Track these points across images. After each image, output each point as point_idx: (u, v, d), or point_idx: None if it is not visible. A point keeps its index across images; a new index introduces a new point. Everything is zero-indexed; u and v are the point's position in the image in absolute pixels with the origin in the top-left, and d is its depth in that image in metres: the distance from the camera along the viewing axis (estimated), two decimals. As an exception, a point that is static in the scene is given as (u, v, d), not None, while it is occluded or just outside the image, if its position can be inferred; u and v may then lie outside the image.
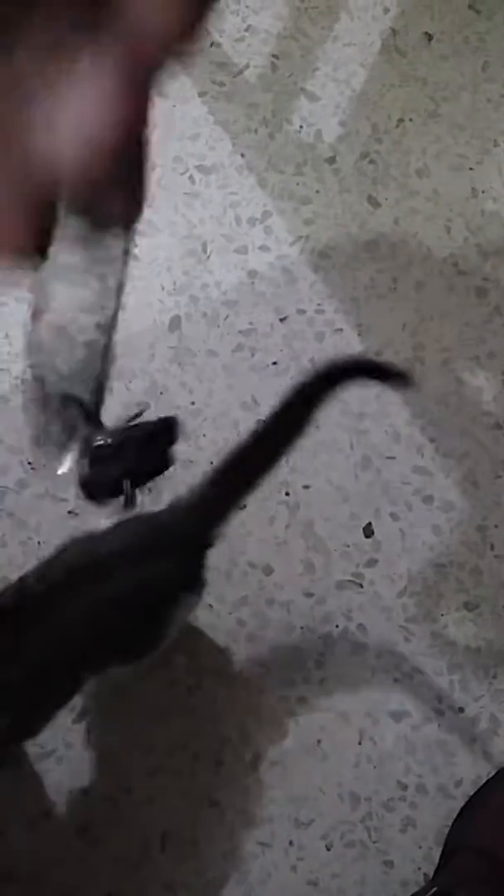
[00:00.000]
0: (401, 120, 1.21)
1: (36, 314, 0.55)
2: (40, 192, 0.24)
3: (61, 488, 1.02)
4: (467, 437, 1.08)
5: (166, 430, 0.73)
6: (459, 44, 1.24)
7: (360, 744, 0.98)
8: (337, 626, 1.02)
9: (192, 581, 0.83)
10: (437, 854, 0.96)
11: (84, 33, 0.23)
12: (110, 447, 0.70)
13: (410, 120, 1.21)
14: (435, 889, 0.90)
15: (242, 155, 1.17)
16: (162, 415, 0.74)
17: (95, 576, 0.77)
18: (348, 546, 1.04)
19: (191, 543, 0.81)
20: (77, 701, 0.95)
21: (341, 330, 1.11)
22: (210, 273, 1.12)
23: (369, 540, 1.04)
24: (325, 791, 0.97)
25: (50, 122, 0.23)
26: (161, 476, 0.74)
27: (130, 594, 0.78)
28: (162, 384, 1.07)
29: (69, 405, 0.65)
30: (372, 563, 1.04)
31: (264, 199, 1.16)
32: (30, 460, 1.02)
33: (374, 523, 1.05)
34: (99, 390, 0.64)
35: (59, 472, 0.68)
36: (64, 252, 0.46)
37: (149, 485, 1.02)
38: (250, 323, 1.10)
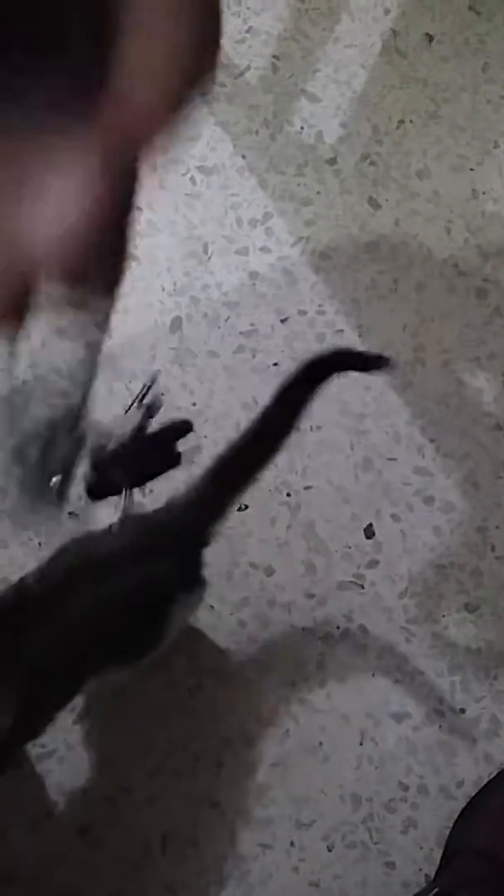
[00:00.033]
0: (401, 121, 1.21)
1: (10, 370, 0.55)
2: (17, 270, 0.24)
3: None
4: (468, 438, 1.09)
5: (172, 430, 0.73)
6: (460, 45, 1.24)
7: (361, 745, 0.98)
8: (338, 628, 1.02)
9: (190, 580, 0.84)
10: (438, 855, 0.96)
11: (65, 120, 0.22)
12: (114, 452, 0.70)
13: (411, 121, 1.21)
14: (436, 890, 0.90)
15: (243, 156, 1.17)
16: (168, 416, 0.74)
17: (95, 575, 0.77)
18: (349, 547, 1.04)
19: (187, 542, 0.82)
20: (77, 702, 0.95)
21: (342, 331, 1.11)
22: (211, 274, 1.12)
23: (370, 541, 1.04)
24: (326, 792, 0.97)
25: (27, 211, 0.23)
26: (164, 476, 0.74)
27: (129, 593, 0.78)
28: (163, 385, 1.07)
29: (52, 450, 0.66)
30: (373, 564, 1.04)
31: (265, 200, 1.16)
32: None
33: (375, 524, 1.05)
34: (76, 441, 0.65)
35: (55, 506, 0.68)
36: (43, 314, 0.46)
37: (149, 485, 1.02)
38: (251, 324, 1.10)
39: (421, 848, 0.96)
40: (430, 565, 1.04)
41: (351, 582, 1.03)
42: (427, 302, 1.13)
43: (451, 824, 0.96)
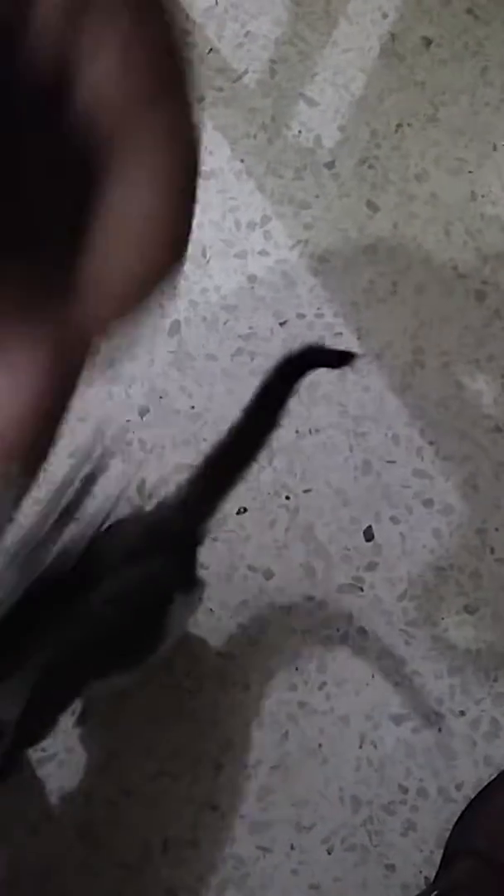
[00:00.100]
0: (400, 124, 1.21)
1: None
2: None
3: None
4: (467, 440, 1.09)
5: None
6: (458, 49, 1.25)
7: (360, 747, 0.98)
8: (337, 630, 1.02)
9: (186, 580, 0.85)
10: (438, 857, 0.96)
11: (18, 314, 0.21)
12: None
13: (409, 124, 1.21)
14: (436, 892, 0.90)
15: (241, 160, 1.18)
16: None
17: (93, 577, 0.78)
18: (348, 550, 1.04)
19: (180, 542, 0.84)
20: (77, 705, 0.95)
21: (341, 334, 1.11)
22: (209, 277, 1.12)
23: (369, 544, 1.05)
24: (325, 795, 0.97)
25: None
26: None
27: (127, 594, 0.79)
28: (161, 388, 1.07)
29: None
30: (372, 566, 1.04)
31: (263, 203, 1.16)
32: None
33: (374, 527, 1.05)
34: None
35: None
36: None
37: (148, 487, 1.02)
38: (250, 327, 1.11)
39: (421, 850, 0.96)
40: (430, 567, 1.04)
41: (350, 585, 1.03)
42: (426, 304, 1.13)
43: (450, 827, 0.96)
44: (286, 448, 1.06)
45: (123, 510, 0.96)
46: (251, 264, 1.13)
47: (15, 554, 0.69)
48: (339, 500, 1.05)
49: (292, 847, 0.95)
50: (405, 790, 0.97)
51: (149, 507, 0.99)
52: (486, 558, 1.05)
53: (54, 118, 0.20)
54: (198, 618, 0.99)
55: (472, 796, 0.97)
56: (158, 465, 1.04)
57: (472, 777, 0.98)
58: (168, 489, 0.92)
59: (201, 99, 1.20)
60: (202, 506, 0.85)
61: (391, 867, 0.95)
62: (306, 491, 1.05)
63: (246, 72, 1.22)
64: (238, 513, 1.03)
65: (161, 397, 1.07)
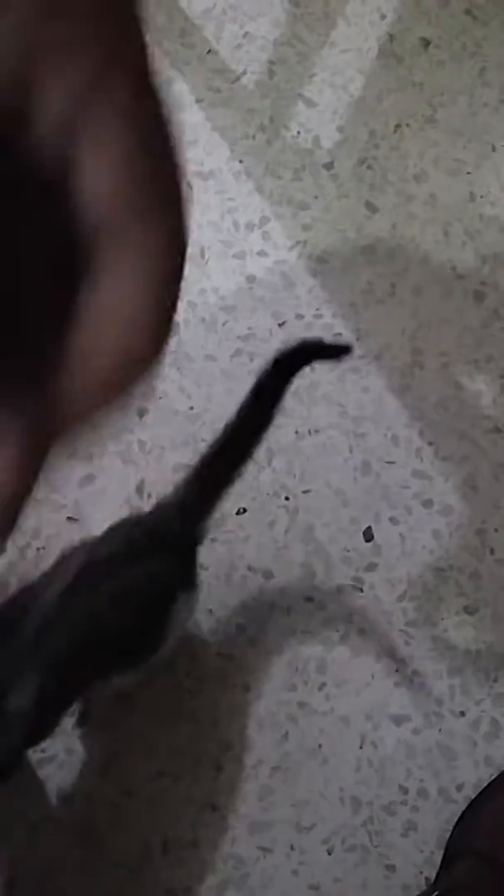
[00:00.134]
0: (398, 125, 1.21)
1: None
2: None
3: (60, 493, 1.02)
4: (466, 440, 1.09)
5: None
6: (457, 49, 1.25)
7: (360, 748, 0.98)
8: (337, 631, 1.02)
9: (187, 580, 0.86)
10: (438, 858, 0.96)
11: None
12: None
13: (408, 125, 1.21)
14: (436, 893, 0.90)
15: (240, 161, 1.18)
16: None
17: (98, 577, 0.78)
18: (348, 550, 1.04)
19: (180, 542, 0.84)
20: (78, 706, 0.95)
21: (340, 335, 1.11)
22: (208, 278, 1.12)
23: (369, 544, 1.05)
24: (325, 795, 0.97)
25: None
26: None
27: (132, 593, 0.80)
28: (160, 389, 1.07)
29: None
30: (372, 567, 1.04)
31: (262, 204, 1.16)
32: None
33: (373, 527, 1.05)
34: None
35: None
36: None
37: (147, 490, 1.02)
38: (249, 328, 1.11)
39: (421, 851, 0.96)
40: (429, 568, 1.04)
41: (350, 585, 1.03)
42: (425, 305, 1.13)
43: (451, 827, 0.96)
44: (286, 449, 1.06)
45: (123, 512, 0.96)
46: (250, 265, 1.13)
47: None
48: (339, 500, 1.05)
49: (292, 847, 0.95)
50: (405, 791, 0.97)
51: (148, 507, 0.99)
52: (485, 559, 1.05)
53: (51, 211, 0.20)
54: (198, 618, 0.99)
55: (473, 797, 0.97)
56: (157, 465, 1.04)
57: (472, 777, 0.98)
58: (167, 489, 0.92)
59: (200, 100, 1.20)
60: (200, 505, 0.85)
61: (391, 868, 0.95)
62: (306, 491, 1.05)
63: (244, 73, 1.22)
64: (237, 513, 1.03)
65: (160, 398, 1.07)
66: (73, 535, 0.98)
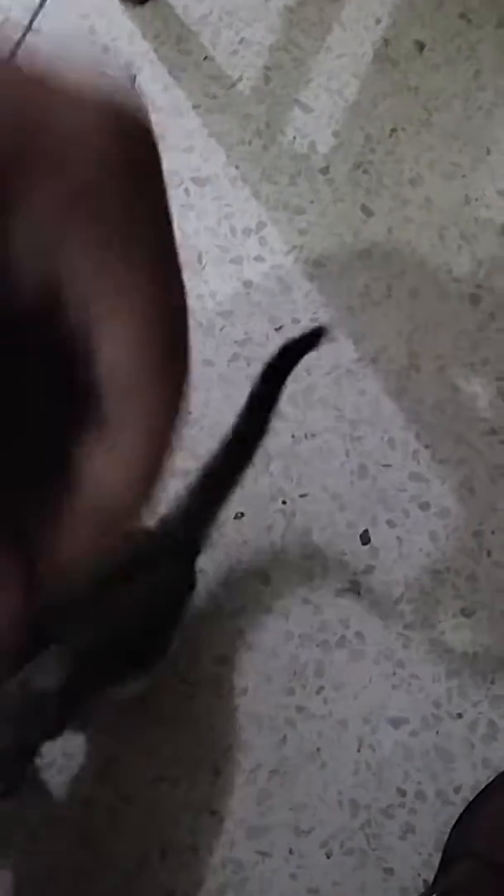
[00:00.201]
0: (393, 129, 1.21)
1: None
2: None
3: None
4: (463, 443, 1.09)
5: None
6: (451, 53, 1.25)
7: (358, 751, 0.99)
8: (335, 634, 1.02)
9: (189, 587, 0.88)
10: (436, 860, 0.96)
11: None
12: None
13: (403, 129, 1.21)
14: (435, 895, 0.90)
15: (237, 166, 1.18)
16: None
17: (106, 587, 0.79)
18: (345, 554, 1.04)
19: (183, 550, 0.86)
20: (83, 710, 0.95)
21: (336, 338, 1.11)
22: (205, 283, 1.13)
23: (366, 547, 1.05)
24: (324, 799, 0.97)
25: None
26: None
27: (140, 602, 0.82)
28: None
29: None
30: (369, 570, 1.04)
31: (258, 209, 1.17)
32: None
33: (370, 531, 1.05)
34: None
35: None
36: None
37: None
38: (246, 333, 1.11)
39: (419, 853, 0.96)
40: (427, 571, 1.04)
41: (347, 588, 1.03)
42: (421, 308, 1.14)
43: (449, 829, 0.97)
44: (283, 453, 1.07)
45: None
46: (247, 270, 1.14)
47: None
48: (336, 504, 1.06)
49: (291, 851, 0.96)
50: (403, 793, 0.98)
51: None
52: (482, 561, 1.05)
53: (41, 342, 0.21)
54: (195, 622, 0.99)
55: (471, 799, 0.97)
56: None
57: (470, 779, 0.98)
58: (166, 494, 0.92)
59: (196, 106, 1.21)
60: (202, 515, 0.88)
61: (390, 870, 0.96)
62: (303, 496, 1.06)
63: (240, 78, 1.22)
64: (235, 518, 1.04)
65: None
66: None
